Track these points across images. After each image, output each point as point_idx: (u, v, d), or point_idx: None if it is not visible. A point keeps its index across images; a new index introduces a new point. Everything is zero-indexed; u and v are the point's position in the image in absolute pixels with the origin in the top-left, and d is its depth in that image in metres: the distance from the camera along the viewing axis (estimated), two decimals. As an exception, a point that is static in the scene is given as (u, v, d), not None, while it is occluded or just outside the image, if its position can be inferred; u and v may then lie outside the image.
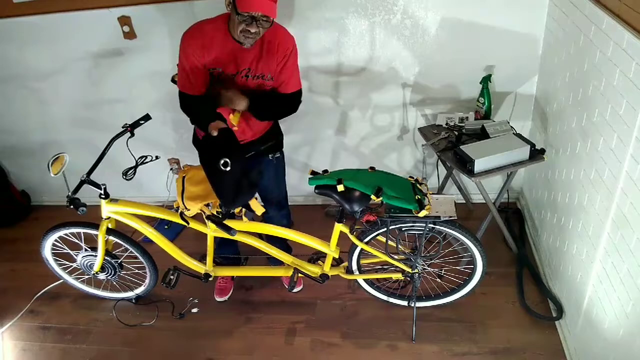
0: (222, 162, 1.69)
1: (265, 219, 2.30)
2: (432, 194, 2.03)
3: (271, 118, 2.08)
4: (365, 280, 2.36)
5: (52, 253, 2.47)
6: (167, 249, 2.26)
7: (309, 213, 3.09)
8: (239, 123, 1.97)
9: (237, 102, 1.87)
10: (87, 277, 2.54)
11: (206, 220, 1.95)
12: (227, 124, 1.85)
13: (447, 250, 2.22)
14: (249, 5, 1.69)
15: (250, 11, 1.70)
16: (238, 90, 1.88)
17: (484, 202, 2.43)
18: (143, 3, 2.54)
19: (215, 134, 1.75)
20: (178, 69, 1.94)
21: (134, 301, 2.60)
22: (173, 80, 2.07)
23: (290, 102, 2.01)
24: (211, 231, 2.12)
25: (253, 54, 1.89)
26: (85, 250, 2.36)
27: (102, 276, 2.43)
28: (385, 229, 2.04)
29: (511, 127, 2.38)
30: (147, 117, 2.16)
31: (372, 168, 2.08)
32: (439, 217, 1.96)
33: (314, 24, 2.51)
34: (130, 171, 2.07)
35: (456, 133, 2.46)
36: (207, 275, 2.29)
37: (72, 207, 1.98)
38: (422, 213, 1.89)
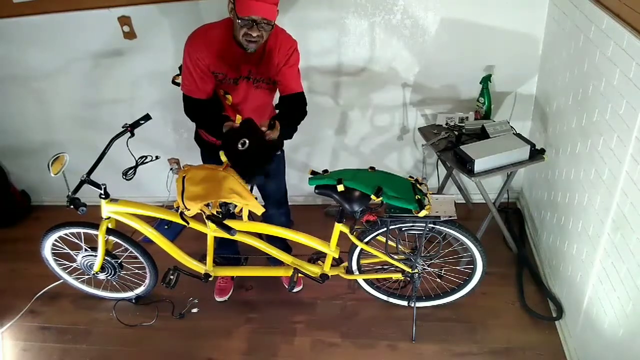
0: (241, 141, 1.78)
1: (264, 217, 2.30)
2: (432, 194, 2.03)
3: (294, 131, 2.05)
4: (365, 280, 2.36)
5: (52, 253, 2.47)
6: (167, 249, 2.26)
7: (309, 213, 3.09)
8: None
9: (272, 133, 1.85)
10: (87, 277, 2.54)
11: (206, 220, 1.94)
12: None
13: (447, 250, 2.22)
14: (249, 9, 1.71)
15: (250, 15, 1.71)
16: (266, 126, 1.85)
17: (484, 202, 2.43)
18: (143, 3, 2.54)
19: (237, 125, 1.82)
20: (182, 72, 1.93)
21: (134, 301, 2.60)
22: (174, 82, 2.07)
23: (302, 106, 2.01)
24: (211, 231, 2.12)
25: (254, 58, 1.90)
26: (85, 250, 2.36)
27: (102, 276, 2.43)
28: (385, 229, 2.04)
29: (511, 127, 2.38)
30: (147, 117, 2.16)
31: (372, 168, 2.08)
32: (439, 217, 1.96)
33: (314, 24, 2.51)
34: (130, 171, 2.07)
35: (456, 133, 2.46)
36: (207, 275, 2.29)
37: (72, 207, 1.98)
38: (422, 213, 1.89)
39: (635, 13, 1.51)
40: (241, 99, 2.00)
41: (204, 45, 1.85)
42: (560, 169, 2.22)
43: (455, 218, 1.98)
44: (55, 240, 2.39)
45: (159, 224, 2.57)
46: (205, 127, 2.03)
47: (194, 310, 2.55)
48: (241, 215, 2.04)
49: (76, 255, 2.40)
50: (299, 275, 2.24)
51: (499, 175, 2.42)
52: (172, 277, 2.25)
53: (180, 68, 1.99)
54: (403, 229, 2.06)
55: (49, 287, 2.72)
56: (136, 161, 2.08)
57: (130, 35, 2.64)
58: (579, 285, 2.00)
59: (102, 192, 2.06)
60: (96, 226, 2.21)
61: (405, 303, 2.38)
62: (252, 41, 1.79)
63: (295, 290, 2.54)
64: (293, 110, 1.98)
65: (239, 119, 2.00)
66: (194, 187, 1.92)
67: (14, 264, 3.00)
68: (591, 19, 1.82)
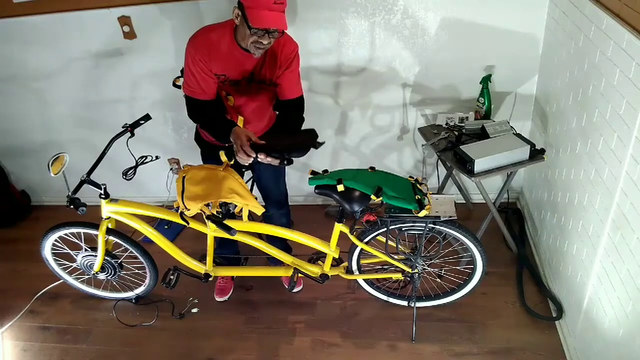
0: (320, 140, 1.84)
1: (265, 217, 2.30)
2: (432, 194, 2.03)
3: None
4: (365, 280, 2.36)
5: (52, 253, 2.47)
6: (167, 249, 2.26)
7: (309, 213, 3.09)
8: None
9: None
10: (87, 277, 2.54)
11: (206, 220, 1.95)
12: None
13: (447, 250, 2.22)
14: (262, 21, 1.69)
15: (263, 27, 1.70)
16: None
17: (484, 202, 2.43)
18: (143, 3, 2.54)
19: (247, 163, 1.80)
20: (185, 75, 1.92)
21: (134, 301, 2.60)
22: (175, 85, 2.07)
23: (300, 111, 2.02)
24: (211, 231, 2.13)
25: (257, 60, 1.89)
26: (85, 250, 2.36)
27: (102, 276, 2.43)
28: (385, 229, 2.04)
29: (511, 127, 2.38)
30: (147, 117, 2.16)
31: (372, 168, 2.08)
32: (439, 217, 1.96)
33: (314, 24, 2.51)
34: (130, 171, 2.07)
35: (456, 133, 2.46)
36: (207, 275, 2.29)
37: (72, 207, 1.98)
38: (422, 213, 1.89)
39: (635, 13, 1.51)
40: (243, 100, 2.00)
41: (205, 47, 1.85)
42: (560, 169, 2.22)
43: (455, 218, 1.98)
44: (55, 240, 2.39)
45: (159, 224, 2.57)
46: (210, 129, 2.03)
47: (194, 310, 2.55)
48: (241, 215, 2.04)
49: (76, 255, 2.40)
50: (299, 275, 2.24)
51: (499, 175, 2.42)
52: (172, 277, 2.25)
53: (181, 71, 1.99)
54: (403, 229, 2.06)
55: (49, 287, 2.72)
56: (136, 161, 2.08)
57: (130, 35, 2.64)
58: (579, 285, 2.00)
59: (102, 192, 2.06)
60: (96, 226, 2.21)
61: (405, 303, 2.38)
62: (260, 48, 1.78)
63: (295, 290, 2.55)
64: (293, 117, 2.00)
65: (240, 120, 2.00)
66: (194, 187, 1.93)
67: (14, 264, 3.00)
68: (591, 19, 1.82)
